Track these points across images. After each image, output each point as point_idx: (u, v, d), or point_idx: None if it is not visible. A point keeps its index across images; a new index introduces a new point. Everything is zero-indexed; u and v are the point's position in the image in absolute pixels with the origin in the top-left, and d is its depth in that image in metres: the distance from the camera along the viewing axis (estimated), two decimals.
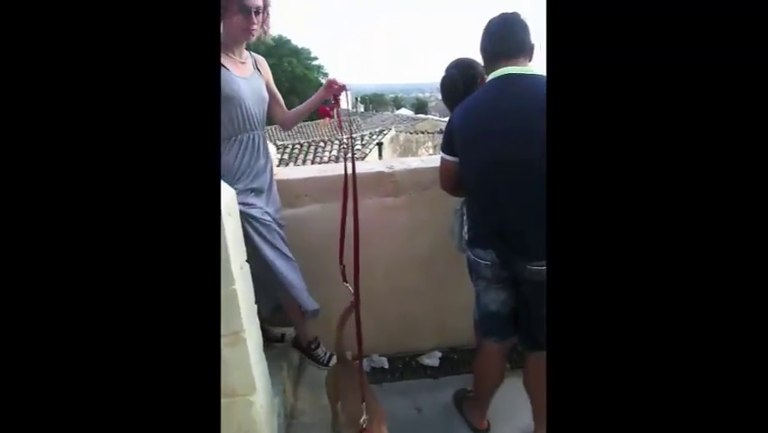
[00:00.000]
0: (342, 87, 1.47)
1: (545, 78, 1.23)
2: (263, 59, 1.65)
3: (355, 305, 1.35)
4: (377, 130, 11.10)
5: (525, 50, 1.27)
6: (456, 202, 1.68)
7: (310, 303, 1.64)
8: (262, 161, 1.59)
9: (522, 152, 1.19)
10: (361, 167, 1.65)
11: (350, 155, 1.32)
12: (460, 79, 1.54)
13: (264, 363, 1.42)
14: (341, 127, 1.50)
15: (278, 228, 1.60)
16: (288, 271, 1.59)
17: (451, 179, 1.45)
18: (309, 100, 1.62)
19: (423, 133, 12.49)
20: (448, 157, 1.40)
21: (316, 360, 1.78)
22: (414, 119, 16.21)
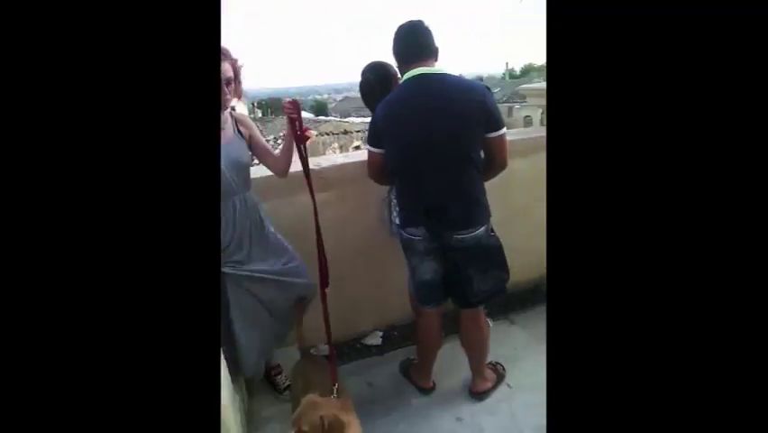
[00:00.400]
0: (294, 103, 1.54)
1: (453, 76, 1.45)
2: (245, 116, 1.64)
3: (322, 297, 1.49)
4: (280, 134, 10.95)
5: (432, 53, 1.48)
6: (382, 191, 1.86)
7: (249, 370, 1.68)
8: (246, 222, 1.58)
9: (439, 138, 1.40)
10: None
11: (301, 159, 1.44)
12: (375, 82, 1.71)
13: (224, 364, 1.46)
14: (304, 139, 1.54)
15: (256, 291, 1.60)
16: (242, 335, 1.61)
17: (378, 169, 1.61)
18: (285, 135, 1.64)
19: (327, 134, 12.59)
20: (374, 149, 1.56)
21: (275, 385, 1.87)
22: (316, 121, 16.20)
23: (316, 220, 1.58)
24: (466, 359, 1.83)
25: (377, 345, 2.20)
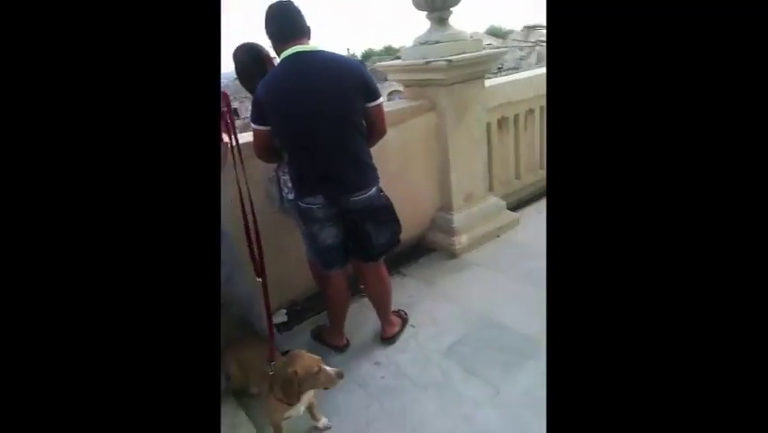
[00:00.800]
0: (224, 95, 1.45)
1: (329, 52, 1.56)
2: None
3: (263, 284, 1.55)
4: None
5: (305, 31, 1.57)
6: (268, 170, 1.90)
7: None
8: None
9: (327, 109, 1.52)
10: None
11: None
12: (252, 63, 1.73)
13: None
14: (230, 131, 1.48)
15: None
16: None
17: (265, 146, 1.66)
18: None
19: None
20: (261, 127, 1.61)
21: None
22: None
23: (253, 212, 1.56)
24: (370, 315, 2.02)
25: (283, 323, 2.25)
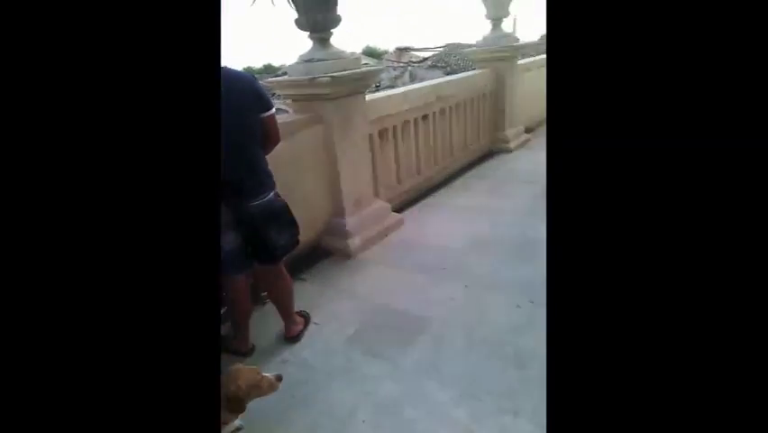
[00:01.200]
0: None
1: (227, 67, 1.65)
2: None
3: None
4: None
5: None
6: None
7: None
8: None
9: (227, 121, 1.58)
10: None
11: None
12: None
13: None
14: None
15: None
16: None
17: None
18: None
19: None
20: None
21: None
22: None
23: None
24: (273, 320, 2.10)
25: None
